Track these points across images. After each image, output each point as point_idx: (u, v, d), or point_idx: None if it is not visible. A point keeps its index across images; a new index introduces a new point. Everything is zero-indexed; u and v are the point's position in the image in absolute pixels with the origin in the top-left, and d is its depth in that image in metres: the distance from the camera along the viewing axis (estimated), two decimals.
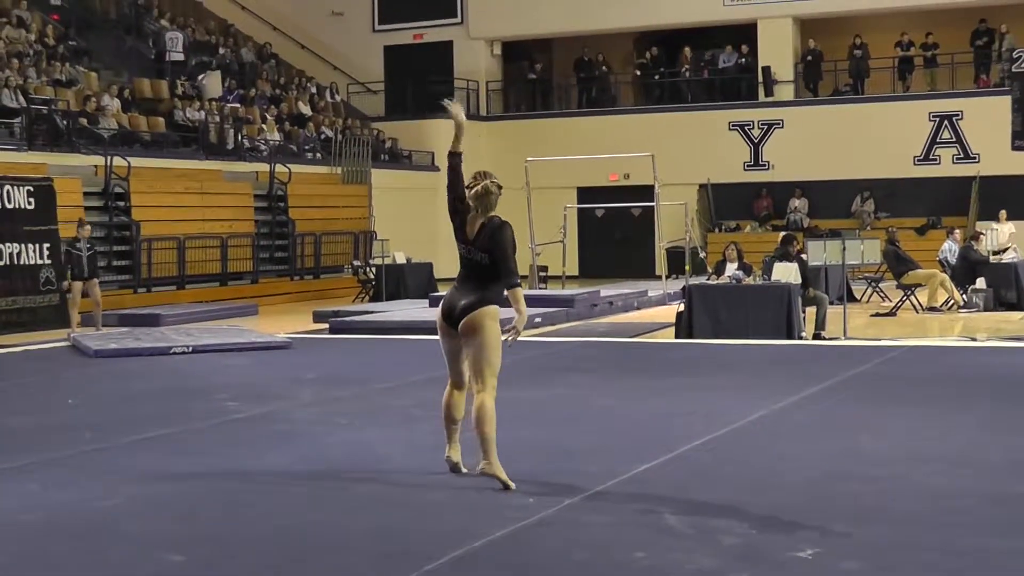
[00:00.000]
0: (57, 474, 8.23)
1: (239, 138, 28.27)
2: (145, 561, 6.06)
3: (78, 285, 19.19)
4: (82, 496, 7.51)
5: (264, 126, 29.81)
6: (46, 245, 20.54)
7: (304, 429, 9.78)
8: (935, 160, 32.14)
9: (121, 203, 24.20)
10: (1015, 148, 26.67)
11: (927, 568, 5.71)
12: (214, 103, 28.84)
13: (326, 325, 19.52)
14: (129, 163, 24.03)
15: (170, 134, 27.38)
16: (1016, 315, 19.72)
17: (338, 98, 35.43)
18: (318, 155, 30.78)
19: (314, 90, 34.58)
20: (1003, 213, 26.64)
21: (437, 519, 6.77)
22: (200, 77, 29.98)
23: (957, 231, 23.65)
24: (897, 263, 21.51)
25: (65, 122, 24.37)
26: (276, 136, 29.97)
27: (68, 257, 19.39)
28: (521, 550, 6.13)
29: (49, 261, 20.54)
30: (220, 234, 25.29)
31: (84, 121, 24.89)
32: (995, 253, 24.35)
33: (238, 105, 29.95)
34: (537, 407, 10.77)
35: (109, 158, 23.87)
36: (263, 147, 28.99)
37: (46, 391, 12.86)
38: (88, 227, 19.86)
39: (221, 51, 32.83)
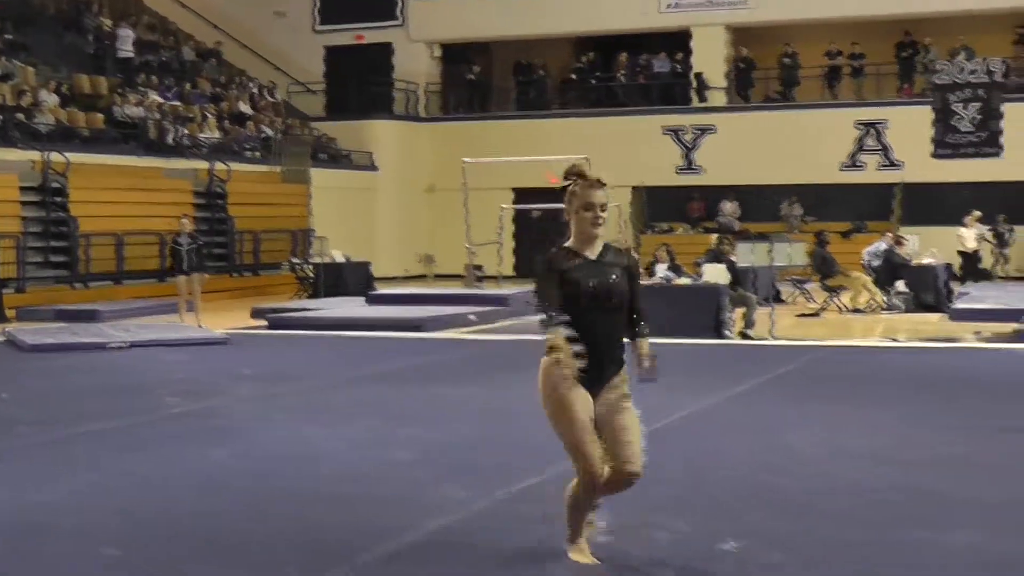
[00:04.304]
0: None
1: (179, 136, 28.08)
2: (81, 555, 6.00)
3: (182, 279, 18.93)
4: (17, 491, 7.41)
5: (205, 124, 29.60)
6: None
7: (241, 425, 9.72)
8: (861, 167, 32.42)
9: (59, 199, 23.97)
10: (936, 156, 27.04)
11: (849, 561, 5.76)
12: (154, 100, 28.61)
13: (264, 322, 19.44)
14: (68, 159, 23.80)
15: (109, 130, 27.13)
16: (935, 317, 19.94)
17: (278, 98, 35.25)
18: (258, 154, 30.62)
19: (255, 89, 34.38)
20: (973, 214, 26.86)
21: (373, 514, 6.75)
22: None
23: (889, 234, 23.70)
24: (823, 265, 21.69)
25: (1, 117, 24.10)
26: (216, 134, 29.77)
27: (172, 253, 19.18)
28: (455, 543, 6.12)
29: None
30: (159, 231, 25.09)
31: (21, 116, 24.62)
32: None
33: (178, 103, 29.74)
34: (471, 403, 10.79)
35: (47, 154, 23.64)
36: (203, 145, 28.79)
37: None
38: (188, 222, 19.57)
39: (161, 50, 32.62)
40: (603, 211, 5.57)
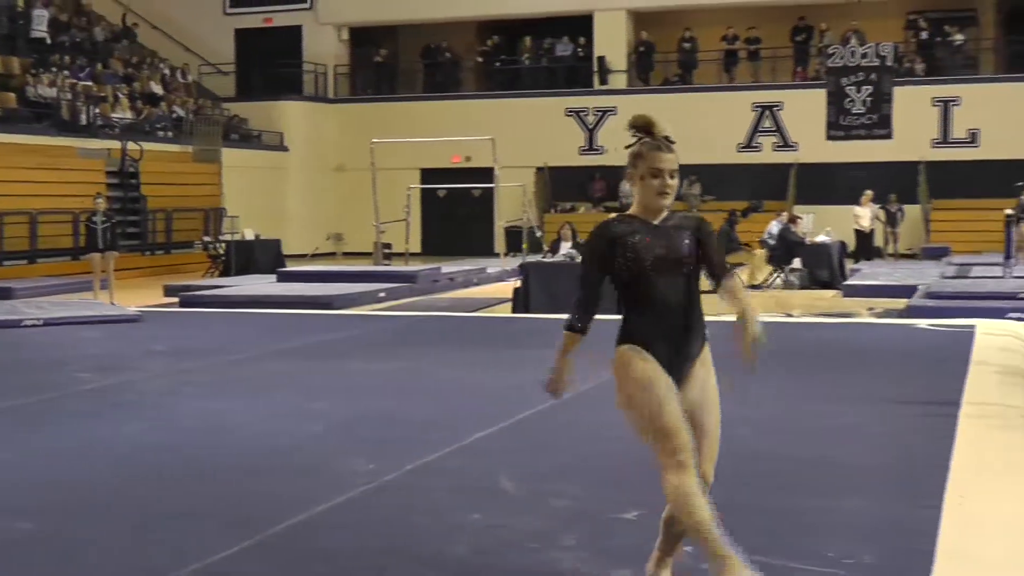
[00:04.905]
0: None
1: (92, 115, 27.70)
2: None
3: (96, 257, 18.63)
4: None
5: (117, 104, 29.21)
6: None
7: (154, 400, 9.63)
8: (757, 147, 32.74)
9: None
10: (829, 138, 27.38)
11: (747, 529, 5.82)
12: (67, 80, 28.17)
13: (177, 299, 19.27)
14: None
15: (22, 110, 26.69)
16: (828, 293, 20.21)
17: (190, 79, 34.87)
18: (170, 133, 30.30)
19: (166, 70, 33.98)
20: (867, 194, 27.25)
21: (281, 486, 6.72)
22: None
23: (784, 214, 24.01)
24: (727, 243, 21.92)
25: None
26: (129, 114, 29.40)
27: (87, 231, 18.90)
28: (362, 515, 6.12)
29: None
30: (73, 209, 24.75)
31: None
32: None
33: (91, 83, 29.31)
34: (380, 378, 10.77)
35: None
36: (116, 125, 28.42)
37: None
38: (102, 200, 19.24)
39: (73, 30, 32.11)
40: (671, 178, 4.62)
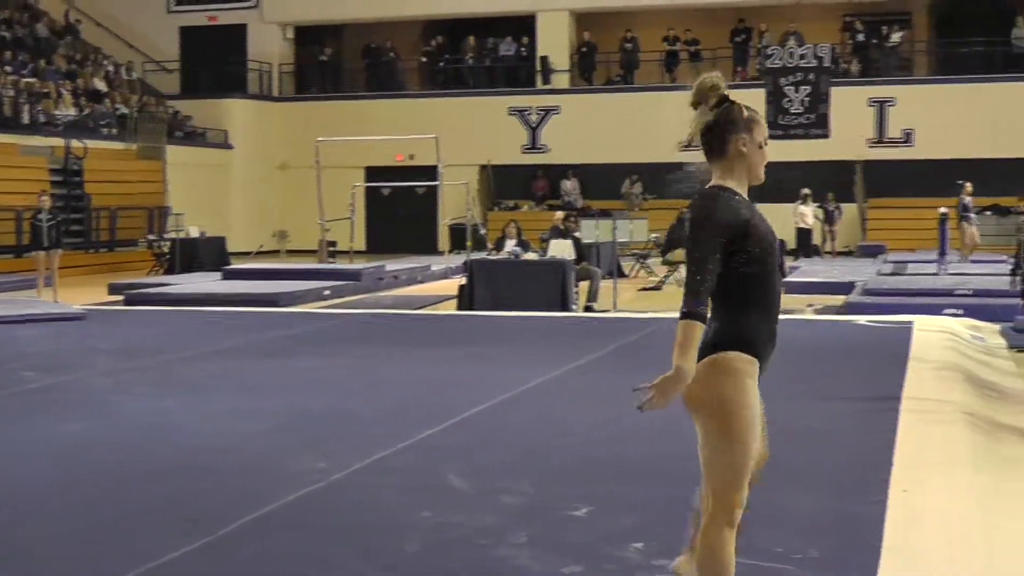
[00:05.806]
0: None
1: (35, 112, 27.37)
2: None
3: (41, 255, 18.34)
4: None
5: (60, 101, 28.88)
6: None
7: (100, 398, 9.51)
8: (698, 146, 32.69)
9: None
10: (768, 137, 27.49)
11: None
12: (9, 76, 27.82)
13: (121, 297, 19.07)
14: None
15: None
16: None
17: (134, 76, 34.56)
18: (114, 131, 30.01)
19: (110, 67, 33.65)
20: (806, 193, 27.48)
21: (231, 485, 6.65)
22: None
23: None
24: (675, 241, 21.95)
25: None
26: (72, 111, 29.08)
27: (32, 229, 18.60)
28: (313, 513, 6.07)
29: None
30: (16, 207, 24.44)
31: None
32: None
33: (33, 79, 28.97)
34: (326, 376, 10.71)
35: None
36: (59, 122, 28.10)
37: None
38: (47, 198, 18.93)
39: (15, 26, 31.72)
40: None
